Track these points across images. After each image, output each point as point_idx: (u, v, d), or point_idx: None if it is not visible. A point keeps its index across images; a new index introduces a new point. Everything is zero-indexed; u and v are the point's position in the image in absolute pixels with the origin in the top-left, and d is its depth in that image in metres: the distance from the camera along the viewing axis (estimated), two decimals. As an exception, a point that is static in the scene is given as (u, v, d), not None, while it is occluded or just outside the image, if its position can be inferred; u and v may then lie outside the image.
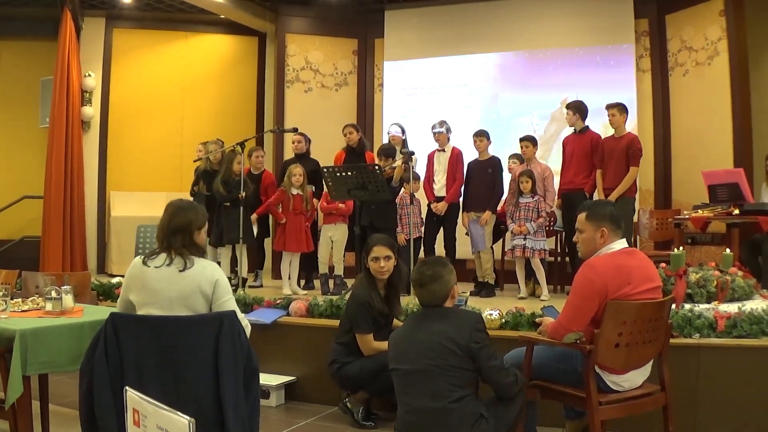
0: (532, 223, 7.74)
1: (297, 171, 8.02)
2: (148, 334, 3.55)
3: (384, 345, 5.21)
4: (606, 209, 4.20)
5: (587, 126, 8.16)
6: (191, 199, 8.36)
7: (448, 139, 8.50)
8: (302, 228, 7.99)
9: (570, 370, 4.07)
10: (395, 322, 5.62)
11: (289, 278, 8.03)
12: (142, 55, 11.69)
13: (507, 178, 8.56)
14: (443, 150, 8.48)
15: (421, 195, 8.63)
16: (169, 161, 11.12)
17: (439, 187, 8.44)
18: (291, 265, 8.07)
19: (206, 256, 4.09)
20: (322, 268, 8.20)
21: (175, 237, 3.88)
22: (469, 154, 8.53)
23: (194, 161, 8.92)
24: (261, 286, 8.83)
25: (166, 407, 2.03)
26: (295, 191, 7.97)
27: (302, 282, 8.45)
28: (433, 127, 8.49)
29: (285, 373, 6.22)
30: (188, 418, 1.92)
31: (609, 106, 7.90)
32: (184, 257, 3.83)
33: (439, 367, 3.82)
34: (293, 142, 8.82)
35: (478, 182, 8.30)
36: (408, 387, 3.92)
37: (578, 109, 8.12)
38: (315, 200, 8.23)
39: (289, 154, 10.08)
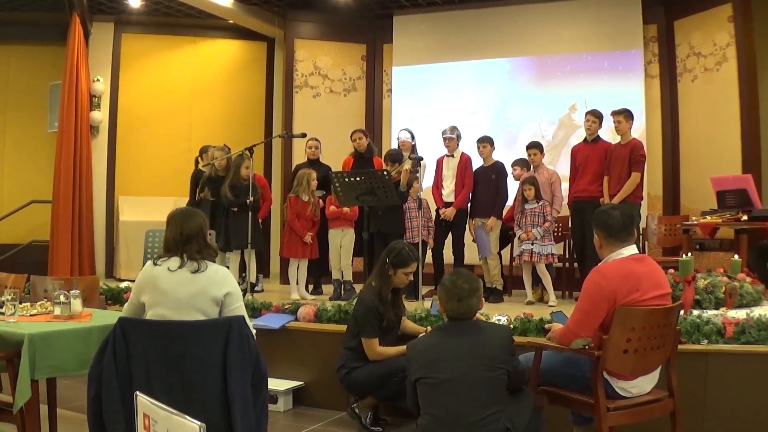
0: (539, 228, 7.74)
1: (314, 176, 8.05)
2: (156, 339, 3.56)
3: (390, 350, 5.23)
4: (603, 218, 4.21)
5: (598, 135, 8.19)
6: (191, 205, 8.38)
7: (458, 145, 8.51)
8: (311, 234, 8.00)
9: (578, 376, 4.07)
10: (404, 321, 5.63)
11: (297, 283, 8.04)
12: (150, 60, 11.72)
13: (513, 183, 8.58)
14: (452, 156, 8.48)
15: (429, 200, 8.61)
16: (177, 166, 11.10)
17: (448, 192, 8.44)
18: (299, 270, 8.08)
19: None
20: (335, 274, 8.17)
21: (190, 244, 3.97)
22: (476, 160, 8.54)
23: (203, 166, 8.92)
24: (262, 290, 8.85)
25: (176, 412, 2.03)
26: (305, 197, 7.97)
27: (310, 287, 8.45)
28: (444, 133, 8.49)
29: (293, 378, 6.24)
30: (199, 423, 1.92)
31: (615, 113, 7.92)
32: (198, 261, 3.92)
33: (480, 378, 3.82)
34: (310, 147, 8.82)
35: (483, 188, 8.33)
36: (441, 396, 3.82)
37: (600, 117, 8.15)
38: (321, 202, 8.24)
39: (297, 159, 10.07)
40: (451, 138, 8.45)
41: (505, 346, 3.97)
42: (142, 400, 2.19)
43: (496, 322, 5.47)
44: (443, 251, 8.48)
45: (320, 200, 8.16)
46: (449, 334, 4.05)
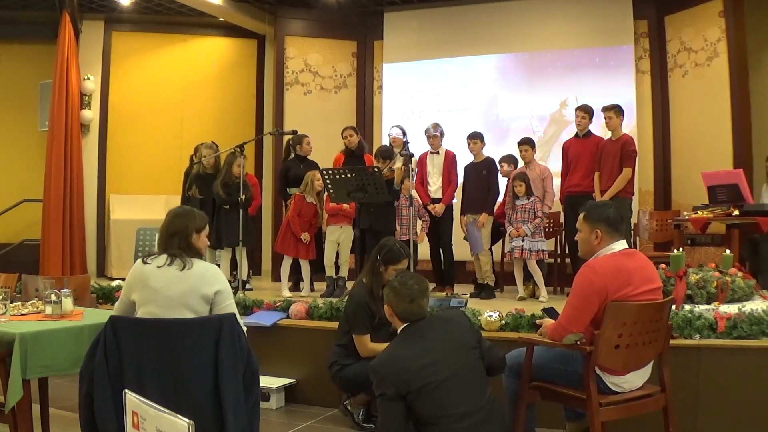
0: (529, 224, 7.75)
1: (319, 177, 8.00)
2: (147, 337, 3.56)
3: (381, 347, 5.18)
4: (603, 211, 4.17)
5: (589, 130, 8.20)
6: (182, 202, 8.34)
7: (441, 142, 8.53)
8: (309, 234, 7.98)
9: (570, 371, 4.07)
10: None
11: (290, 281, 8.05)
12: (141, 58, 11.67)
13: (503, 179, 8.58)
14: (437, 152, 8.50)
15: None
16: (169, 164, 11.08)
17: (435, 189, 8.46)
18: (302, 269, 8.09)
19: (204, 258, 4.14)
20: (329, 271, 8.13)
21: (172, 240, 3.99)
22: (466, 157, 8.55)
23: (195, 164, 8.88)
24: (251, 289, 8.81)
25: (165, 410, 2.02)
26: (309, 199, 7.95)
27: (302, 284, 8.40)
28: (427, 131, 8.51)
29: (285, 376, 6.24)
30: (187, 420, 1.92)
31: (605, 109, 7.92)
32: (182, 259, 3.91)
33: (469, 364, 3.88)
34: (308, 144, 8.80)
35: (474, 184, 8.32)
36: (450, 394, 3.76)
37: (590, 112, 8.15)
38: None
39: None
40: (435, 135, 8.47)
41: (468, 326, 4.10)
42: (131, 398, 2.19)
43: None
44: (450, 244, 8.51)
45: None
46: (420, 335, 3.98)
